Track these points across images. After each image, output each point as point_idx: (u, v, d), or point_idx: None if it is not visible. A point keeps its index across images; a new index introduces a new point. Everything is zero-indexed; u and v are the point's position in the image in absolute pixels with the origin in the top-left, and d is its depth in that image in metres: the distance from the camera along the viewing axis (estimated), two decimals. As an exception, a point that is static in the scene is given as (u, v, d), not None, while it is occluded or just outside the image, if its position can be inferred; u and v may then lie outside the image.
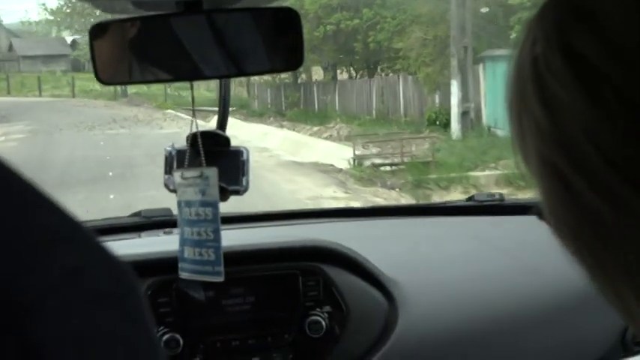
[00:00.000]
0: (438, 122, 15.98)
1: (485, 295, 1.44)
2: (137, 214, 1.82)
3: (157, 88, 24.24)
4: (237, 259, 1.31)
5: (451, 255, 1.56)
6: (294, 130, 18.47)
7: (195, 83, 1.27)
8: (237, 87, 23.47)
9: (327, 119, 19.25)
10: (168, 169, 1.27)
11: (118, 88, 22.02)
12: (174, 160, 1.27)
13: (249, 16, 1.19)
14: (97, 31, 1.17)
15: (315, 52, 19.81)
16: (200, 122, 1.25)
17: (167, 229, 1.69)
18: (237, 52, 1.19)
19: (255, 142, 14.10)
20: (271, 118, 21.18)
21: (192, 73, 1.22)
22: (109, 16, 1.23)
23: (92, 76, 1.18)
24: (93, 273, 0.38)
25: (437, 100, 17.03)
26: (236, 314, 1.33)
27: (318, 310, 1.34)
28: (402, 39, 18.17)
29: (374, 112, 19.45)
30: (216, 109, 1.33)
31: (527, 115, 0.45)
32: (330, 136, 16.75)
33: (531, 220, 1.72)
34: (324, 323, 1.33)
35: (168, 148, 1.28)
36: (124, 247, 1.57)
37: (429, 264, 1.51)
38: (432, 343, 1.37)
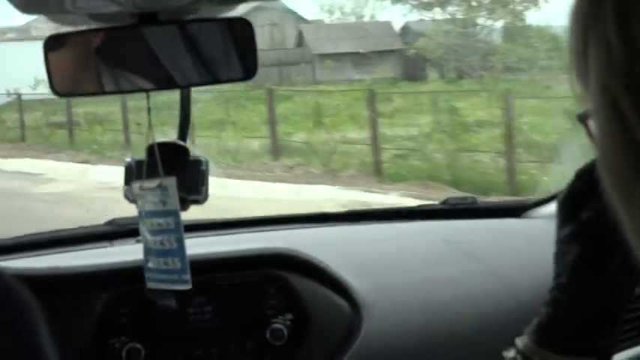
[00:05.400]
0: None
1: (449, 299, 1.45)
2: (110, 222, 1.82)
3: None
4: (199, 267, 1.31)
5: (418, 259, 1.56)
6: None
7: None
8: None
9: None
10: (128, 180, 1.27)
11: None
12: (134, 171, 1.27)
13: (205, 26, 1.20)
14: (53, 43, 1.18)
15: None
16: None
17: (139, 237, 1.70)
18: (194, 62, 1.20)
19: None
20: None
21: (151, 83, 1.22)
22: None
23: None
24: None
25: None
26: (198, 323, 1.34)
27: (280, 317, 1.34)
28: None
29: None
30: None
31: (597, 33, 0.39)
32: None
33: (502, 223, 1.71)
34: (285, 331, 1.33)
35: (128, 159, 1.29)
36: (94, 255, 1.58)
37: (395, 268, 1.51)
38: (396, 348, 1.38)
